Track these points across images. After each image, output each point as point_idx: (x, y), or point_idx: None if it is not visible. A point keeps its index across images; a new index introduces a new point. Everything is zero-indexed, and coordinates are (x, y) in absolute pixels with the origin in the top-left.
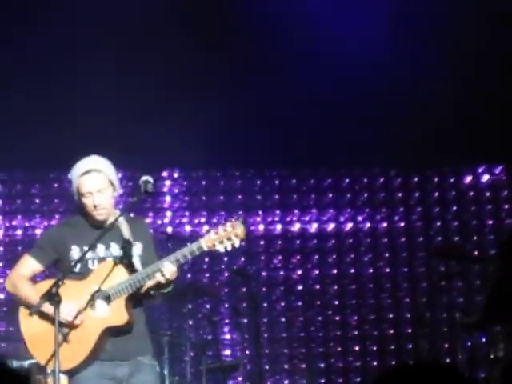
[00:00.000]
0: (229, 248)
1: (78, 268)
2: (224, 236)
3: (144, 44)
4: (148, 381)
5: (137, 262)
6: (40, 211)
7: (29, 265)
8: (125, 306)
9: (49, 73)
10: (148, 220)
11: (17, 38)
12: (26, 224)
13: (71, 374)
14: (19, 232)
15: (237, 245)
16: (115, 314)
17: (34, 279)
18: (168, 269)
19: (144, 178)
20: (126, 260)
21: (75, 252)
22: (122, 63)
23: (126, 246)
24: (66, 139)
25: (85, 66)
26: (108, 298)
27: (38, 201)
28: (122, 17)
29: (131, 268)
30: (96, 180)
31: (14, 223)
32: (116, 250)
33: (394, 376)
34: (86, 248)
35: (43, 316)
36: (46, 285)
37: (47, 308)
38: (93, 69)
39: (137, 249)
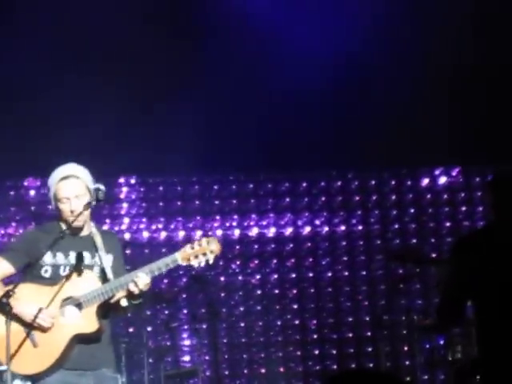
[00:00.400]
0: (203, 263)
1: (49, 274)
2: (199, 251)
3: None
4: None
5: (109, 272)
6: None
7: (1, 266)
8: (96, 313)
9: (9, 81)
10: (105, 227)
11: None
12: None
13: (34, 380)
14: None
15: (211, 261)
16: (86, 321)
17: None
18: (142, 280)
19: (95, 185)
20: (98, 269)
21: (47, 257)
22: (86, 65)
23: (98, 256)
24: (24, 147)
25: (47, 71)
26: (79, 306)
27: None
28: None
29: (104, 277)
30: (74, 186)
31: None
32: (88, 258)
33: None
34: (58, 254)
35: (14, 317)
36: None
37: (20, 310)
38: (53, 73)
39: (108, 260)
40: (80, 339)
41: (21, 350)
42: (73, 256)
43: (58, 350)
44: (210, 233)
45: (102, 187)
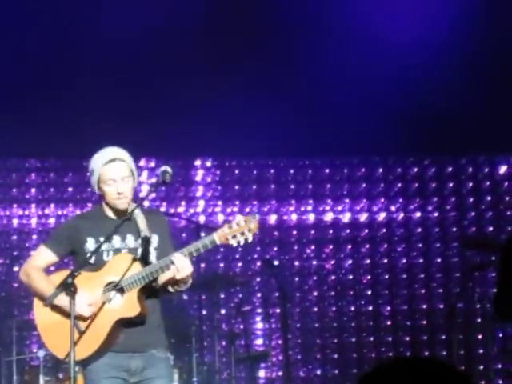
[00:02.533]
0: (242, 242)
1: (93, 260)
2: (237, 230)
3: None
4: (161, 374)
5: (152, 255)
6: (73, 200)
7: (44, 256)
8: (137, 297)
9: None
10: (180, 209)
11: None
12: (59, 212)
13: (84, 364)
14: (52, 220)
15: (250, 240)
16: (127, 305)
17: (48, 270)
18: (180, 261)
19: (162, 168)
20: (140, 254)
21: (90, 244)
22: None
23: (145, 240)
24: (100, 128)
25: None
26: (121, 290)
27: (70, 189)
28: None
29: (146, 260)
30: (120, 168)
31: (46, 211)
32: (131, 241)
33: (390, 371)
34: (101, 239)
35: (56, 307)
36: (59, 275)
37: (61, 299)
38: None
39: (152, 242)
40: (125, 323)
41: (67, 337)
42: (116, 240)
43: (102, 335)
44: (247, 210)
45: (169, 169)
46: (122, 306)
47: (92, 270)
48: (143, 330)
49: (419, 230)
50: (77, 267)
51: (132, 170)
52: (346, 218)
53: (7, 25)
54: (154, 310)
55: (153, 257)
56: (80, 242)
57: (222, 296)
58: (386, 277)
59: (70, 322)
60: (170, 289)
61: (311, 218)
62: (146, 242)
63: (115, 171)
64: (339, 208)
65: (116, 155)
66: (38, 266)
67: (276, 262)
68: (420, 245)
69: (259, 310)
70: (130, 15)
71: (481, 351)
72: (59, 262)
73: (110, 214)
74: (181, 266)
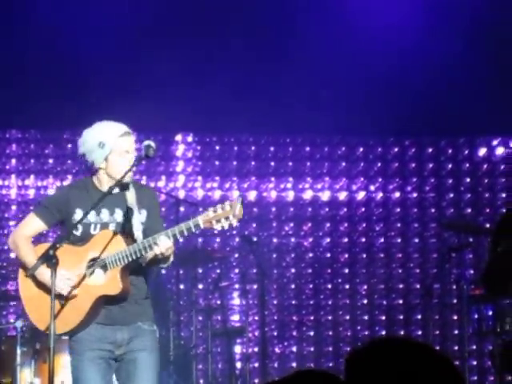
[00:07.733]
0: (226, 227)
1: (79, 232)
2: (222, 215)
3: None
4: (147, 346)
5: (137, 230)
6: (53, 172)
7: (33, 224)
8: (120, 275)
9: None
10: (160, 183)
11: None
12: (39, 184)
13: (70, 335)
14: (32, 192)
15: (234, 224)
16: (110, 283)
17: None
18: (163, 243)
19: (146, 142)
20: (126, 229)
21: (79, 215)
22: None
23: (129, 214)
24: (80, 100)
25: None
26: (104, 267)
27: (51, 161)
28: None
29: (131, 237)
30: (132, 141)
31: (26, 183)
32: (120, 216)
33: (366, 353)
34: (90, 211)
35: (39, 279)
36: (45, 247)
37: (42, 272)
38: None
39: (140, 216)
40: (107, 300)
41: (48, 310)
42: (104, 214)
43: (83, 311)
44: (234, 193)
45: (152, 144)
46: (105, 283)
47: (77, 243)
48: (130, 304)
49: (398, 210)
50: (60, 238)
51: None
52: (325, 196)
53: None
54: (141, 283)
55: (139, 232)
56: (69, 212)
57: (200, 271)
58: (364, 256)
59: (51, 295)
60: (152, 265)
61: (290, 195)
62: (131, 215)
63: (130, 144)
64: (318, 186)
65: (128, 129)
66: (26, 235)
67: (254, 239)
68: (398, 225)
69: (236, 286)
70: None
71: (456, 332)
72: (49, 230)
73: (100, 187)
74: (164, 247)
